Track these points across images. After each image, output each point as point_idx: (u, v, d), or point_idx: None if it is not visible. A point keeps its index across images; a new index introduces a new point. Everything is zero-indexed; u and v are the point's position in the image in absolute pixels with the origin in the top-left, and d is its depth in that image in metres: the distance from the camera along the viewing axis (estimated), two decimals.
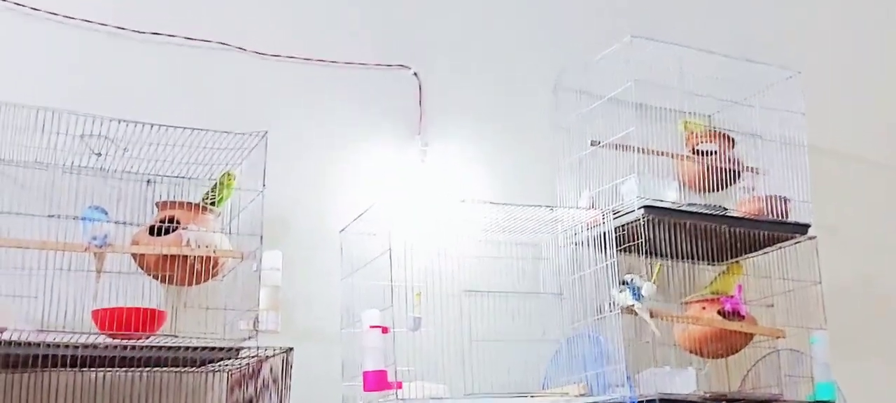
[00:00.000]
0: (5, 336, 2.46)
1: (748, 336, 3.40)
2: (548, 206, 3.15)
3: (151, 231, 2.78)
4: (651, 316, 3.15)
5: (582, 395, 3.01)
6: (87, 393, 2.78)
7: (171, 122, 2.69)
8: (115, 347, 2.53)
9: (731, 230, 3.35)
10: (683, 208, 3.31)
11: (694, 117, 3.57)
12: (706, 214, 3.32)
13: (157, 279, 2.79)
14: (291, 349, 2.66)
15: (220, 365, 2.87)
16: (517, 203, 3.09)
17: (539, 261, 3.33)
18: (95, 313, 2.64)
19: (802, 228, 3.45)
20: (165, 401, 2.88)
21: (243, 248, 2.79)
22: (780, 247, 3.51)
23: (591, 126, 3.46)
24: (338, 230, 3.17)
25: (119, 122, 2.65)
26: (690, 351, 3.41)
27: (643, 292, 3.15)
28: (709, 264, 3.50)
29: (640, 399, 3.02)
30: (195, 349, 2.59)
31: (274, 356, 2.67)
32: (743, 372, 3.54)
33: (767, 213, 3.43)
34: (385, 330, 2.86)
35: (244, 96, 3.23)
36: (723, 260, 3.52)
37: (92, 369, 2.72)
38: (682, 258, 3.43)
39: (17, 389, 2.68)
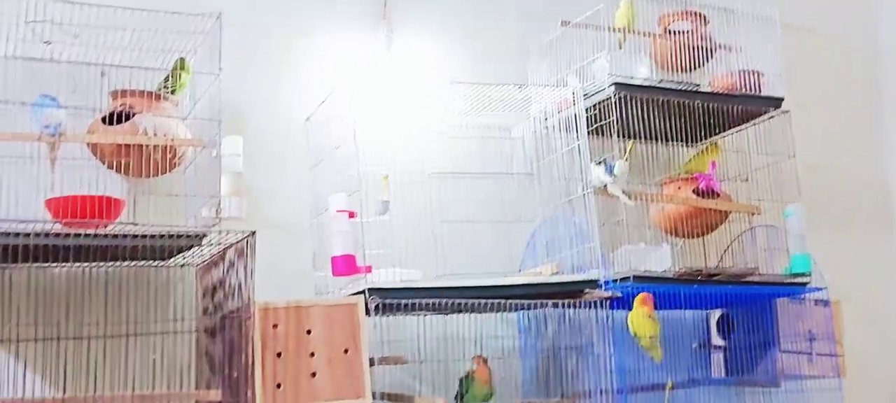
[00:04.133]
0: None
1: (724, 214, 3.36)
2: (517, 85, 3.06)
3: (105, 119, 2.69)
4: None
5: (554, 274, 2.97)
6: (46, 292, 2.70)
7: (122, 6, 2.57)
8: (69, 235, 2.43)
9: (705, 106, 3.28)
10: (655, 85, 3.24)
11: None
12: (678, 90, 3.25)
13: (114, 169, 2.70)
14: (253, 232, 2.56)
15: (185, 258, 2.80)
16: (485, 82, 3.01)
17: (510, 142, 3.26)
18: (49, 202, 2.54)
19: (776, 102, 3.39)
20: (134, 297, 2.81)
21: (203, 136, 2.70)
22: (755, 124, 3.45)
23: (561, 6, 3.36)
24: (303, 119, 3.08)
25: (65, 3, 2.54)
26: (666, 231, 3.37)
27: (615, 170, 3.08)
28: (684, 145, 3.44)
29: (614, 278, 2.99)
30: (155, 237, 2.50)
31: (237, 242, 2.59)
32: (720, 251, 3.51)
33: (740, 88, 3.37)
34: (352, 215, 2.80)
35: None
36: (698, 140, 3.45)
37: (48, 264, 2.63)
38: (656, 138, 3.36)
39: None
